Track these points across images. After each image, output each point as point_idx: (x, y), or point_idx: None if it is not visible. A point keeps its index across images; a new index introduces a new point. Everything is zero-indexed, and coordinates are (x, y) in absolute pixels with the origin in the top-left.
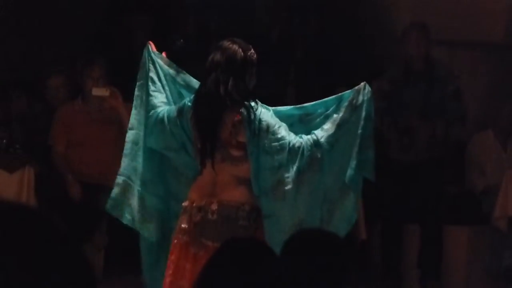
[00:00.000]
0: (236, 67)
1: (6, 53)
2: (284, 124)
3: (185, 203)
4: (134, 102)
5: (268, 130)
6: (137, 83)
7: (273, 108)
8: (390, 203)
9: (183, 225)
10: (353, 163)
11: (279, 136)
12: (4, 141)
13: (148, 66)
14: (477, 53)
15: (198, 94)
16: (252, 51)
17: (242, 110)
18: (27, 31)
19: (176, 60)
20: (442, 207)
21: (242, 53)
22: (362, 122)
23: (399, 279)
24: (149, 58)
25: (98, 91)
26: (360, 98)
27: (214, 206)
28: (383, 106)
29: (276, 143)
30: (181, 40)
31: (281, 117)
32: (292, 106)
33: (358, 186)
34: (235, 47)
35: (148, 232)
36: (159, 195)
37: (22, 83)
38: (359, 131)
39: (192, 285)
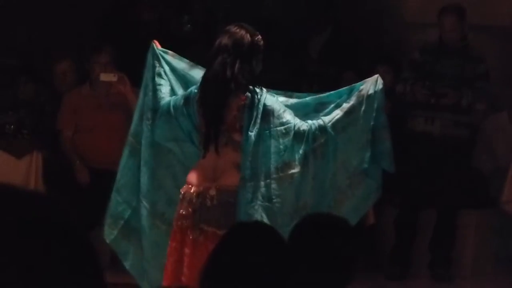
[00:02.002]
0: (243, 51)
1: (14, 39)
2: (289, 109)
3: (183, 189)
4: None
5: (273, 115)
6: (142, 85)
7: (289, 97)
8: (409, 187)
9: (181, 211)
10: (367, 156)
11: (284, 120)
12: (12, 126)
13: (154, 63)
14: (489, 36)
15: (205, 78)
16: (259, 36)
17: (248, 94)
18: (34, 17)
19: (182, 46)
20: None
21: (249, 38)
22: (374, 114)
23: (408, 264)
24: (155, 55)
25: (106, 77)
26: (371, 89)
27: (213, 192)
28: (412, 75)
29: (281, 127)
30: (188, 25)
31: (296, 107)
32: (306, 96)
33: (377, 178)
34: (243, 31)
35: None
36: (130, 202)
37: (29, 68)
38: (372, 122)
39: (201, 270)
